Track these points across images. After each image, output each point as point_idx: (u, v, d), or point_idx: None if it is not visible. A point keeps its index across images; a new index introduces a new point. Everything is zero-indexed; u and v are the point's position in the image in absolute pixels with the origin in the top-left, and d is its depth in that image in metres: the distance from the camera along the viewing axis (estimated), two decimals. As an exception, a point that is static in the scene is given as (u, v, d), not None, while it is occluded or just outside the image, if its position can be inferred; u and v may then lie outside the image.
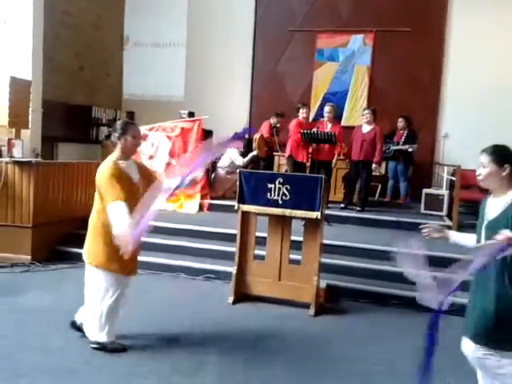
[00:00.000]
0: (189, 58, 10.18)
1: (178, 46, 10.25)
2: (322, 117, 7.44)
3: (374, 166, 7.06)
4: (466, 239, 2.51)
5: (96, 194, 3.24)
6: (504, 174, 2.26)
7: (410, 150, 7.72)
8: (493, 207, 2.31)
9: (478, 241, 2.34)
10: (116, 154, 3.23)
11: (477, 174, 2.36)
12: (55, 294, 4.47)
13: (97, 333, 3.30)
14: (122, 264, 3.14)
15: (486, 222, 2.32)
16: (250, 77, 9.90)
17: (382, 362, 3.44)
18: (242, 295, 4.58)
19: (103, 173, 3.14)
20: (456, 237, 2.56)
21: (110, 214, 2.98)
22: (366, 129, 7.11)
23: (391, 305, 4.59)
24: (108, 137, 3.32)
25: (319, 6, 9.40)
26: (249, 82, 9.92)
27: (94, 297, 3.28)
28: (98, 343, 3.30)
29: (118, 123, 3.29)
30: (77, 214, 6.06)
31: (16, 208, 5.38)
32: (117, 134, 3.22)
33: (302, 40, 9.57)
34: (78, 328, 3.51)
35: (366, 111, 7.23)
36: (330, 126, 7.10)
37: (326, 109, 7.24)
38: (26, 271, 5.10)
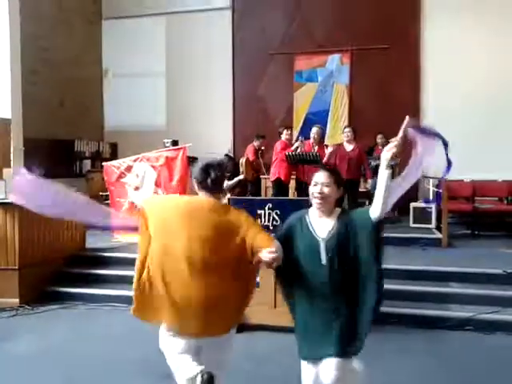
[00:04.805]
0: (169, 86, 10.24)
1: (158, 76, 10.31)
2: (306, 138, 7.46)
3: (369, 180, 7.10)
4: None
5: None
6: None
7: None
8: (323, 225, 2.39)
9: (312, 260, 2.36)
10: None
11: (318, 191, 2.38)
12: (46, 339, 4.33)
13: None
14: None
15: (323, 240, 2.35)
16: (231, 102, 9.97)
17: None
18: (238, 324, 4.49)
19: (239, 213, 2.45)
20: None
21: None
22: (349, 147, 7.17)
23: (389, 323, 4.54)
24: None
25: (295, 29, 9.57)
26: (230, 106, 9.99)
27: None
28: None
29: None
30: (64, 253, 5.97)
31: (1, 250, 5.24)
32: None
33: (280, 63, 9.70)
34: None
35: (347, 129, 7.30)
36: (316, 147, 7.11)
37: (314, 130, 7.26)
38: (14, 315, 4.94)
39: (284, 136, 7.23)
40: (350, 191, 7.11)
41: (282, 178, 7.01)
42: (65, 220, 5.31)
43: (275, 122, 9.31)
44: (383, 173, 2.38)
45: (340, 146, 7.21)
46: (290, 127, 7.67)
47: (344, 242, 2.31)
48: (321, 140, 7.42)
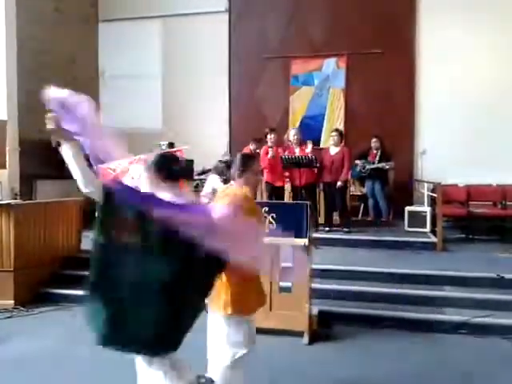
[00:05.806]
0: (165, 88, 10.23)
1: (154, 78, 10.29)
2: (303, 141, 7.48)
3: (339, 183, 7.05)
4: None
5: None
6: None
7: (386, 167, 7.76)
8: None
9: None
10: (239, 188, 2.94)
11: None
12: (40, 341, 4.31)
13: None
14: None
15: None
16: (227, 105, 9.97)
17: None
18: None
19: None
20: None
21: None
22: (334, 150, 7.25)
23: (385, 327, 4.56)
24: (228, 167, 3.05)
25: (292, 33, 9.59)
26: (227, 109, 9.99)
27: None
28: None
29: (239, 158, 3.02)
30: (59, 254, 5.95)
31: (-4, 252, 5.23)
32: (238, 171, 2.96)
33: (276, 66, 9.72)
34: None
35: (333, 133, 7.37)
36: (298, 149, 7.17)
37: (292, 132, 7.32)
38: (9, 317, 4.92)
39: (269, 141, 7.15)
40: (335, 194, 7.13)
41: (270, 182, 7.01)
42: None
43: (271, 124, 9.28)
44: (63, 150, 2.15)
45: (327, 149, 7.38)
46: (273, 129, 7.39)
47: None
48: (302, 141, 7.42)
